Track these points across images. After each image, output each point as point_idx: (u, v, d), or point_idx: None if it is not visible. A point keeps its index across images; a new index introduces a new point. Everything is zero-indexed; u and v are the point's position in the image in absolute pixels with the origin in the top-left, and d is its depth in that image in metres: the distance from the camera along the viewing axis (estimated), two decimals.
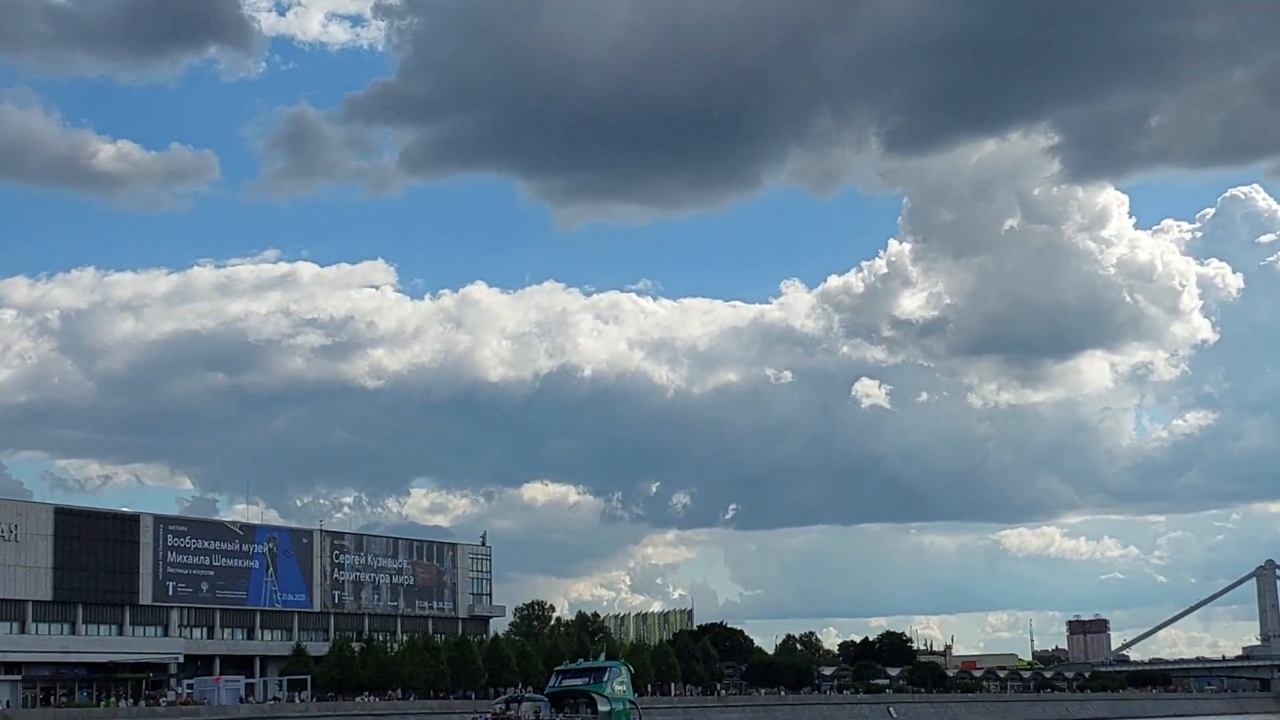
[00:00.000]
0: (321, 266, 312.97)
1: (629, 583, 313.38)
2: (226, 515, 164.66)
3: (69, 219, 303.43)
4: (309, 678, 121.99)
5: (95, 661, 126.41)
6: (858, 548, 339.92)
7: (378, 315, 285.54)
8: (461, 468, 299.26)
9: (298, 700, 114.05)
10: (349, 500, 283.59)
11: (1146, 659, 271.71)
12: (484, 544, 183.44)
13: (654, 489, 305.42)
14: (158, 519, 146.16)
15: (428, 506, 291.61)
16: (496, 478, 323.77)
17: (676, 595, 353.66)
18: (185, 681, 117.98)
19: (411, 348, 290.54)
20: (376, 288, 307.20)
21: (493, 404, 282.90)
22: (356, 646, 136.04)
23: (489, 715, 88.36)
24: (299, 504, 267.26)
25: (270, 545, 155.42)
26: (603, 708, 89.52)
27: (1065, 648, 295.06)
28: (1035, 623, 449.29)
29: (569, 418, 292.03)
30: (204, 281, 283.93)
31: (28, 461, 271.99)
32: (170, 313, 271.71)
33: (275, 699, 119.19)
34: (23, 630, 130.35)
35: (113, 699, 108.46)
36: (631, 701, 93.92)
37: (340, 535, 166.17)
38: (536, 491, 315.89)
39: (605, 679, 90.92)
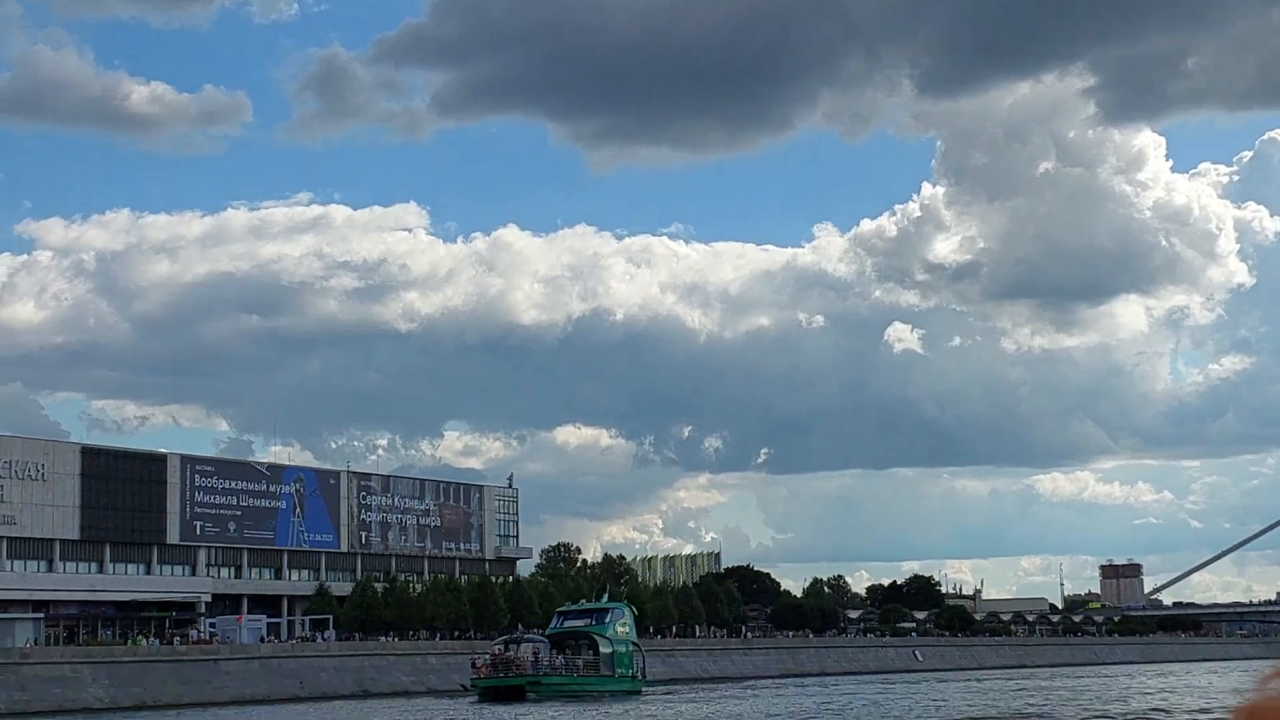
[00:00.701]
0: (354, 209, 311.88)
1: (661, 526, 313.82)
2: (261, 457, 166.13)
3: (103, 161, 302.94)
4: (331, 617, 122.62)
5: (122, 600, 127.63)
6: (890, 492, 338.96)
7: (410, 258, 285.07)
8: (494, 410, 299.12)
9: (320, 640, 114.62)
10: (383, 443, 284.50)
11: (1182, 602, 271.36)
12: (510, 486, 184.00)
13: (686, 433, 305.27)
14: (185, 459, 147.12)
15: (461, 449, 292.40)
16: (529, 421, 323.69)
17: (708, 539, 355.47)
18: (208, 620, 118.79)
19: (444, 290, 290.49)
20: (409, 230, 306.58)
21: (525, 347, 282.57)
22: (380, 587, 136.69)
23: (488, 656, 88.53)
24: (333, 446, 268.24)
25: (297, 486, 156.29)
26: (604, 649, 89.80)
27: (1098, 592, 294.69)
28: (1068, 567, 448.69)
29: (601, 361, 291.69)
30: (238, 224, 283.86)
31: (65, 403, 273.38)
32: (204, 255, 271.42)
33: (301, 638, 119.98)
34: (50, 569, 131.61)
35: (139, 637, 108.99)
36: (634, 643, 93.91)
37: (367, 476, 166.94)
38: (569, 435, 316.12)
39: (607, 620, 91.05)
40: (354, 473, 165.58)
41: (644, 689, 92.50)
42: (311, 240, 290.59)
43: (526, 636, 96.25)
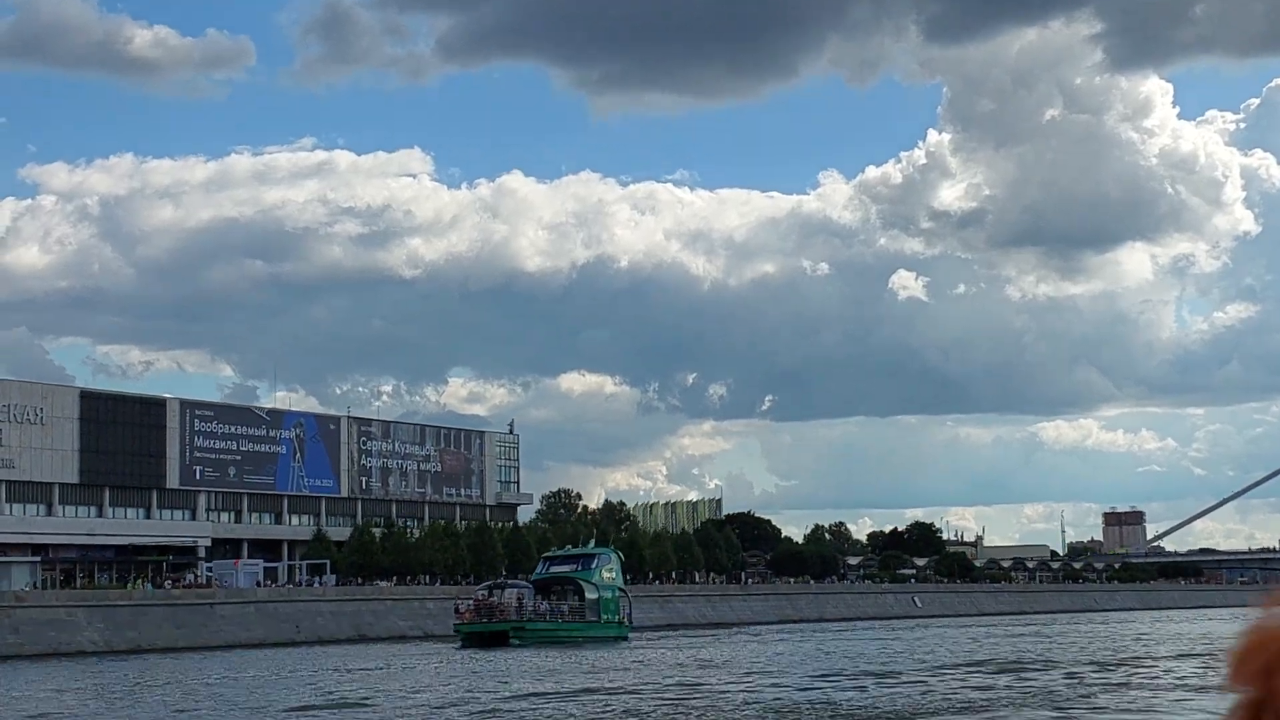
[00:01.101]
0: (358, 155, 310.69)
1: (665, 473, 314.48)
2: (265, 403, 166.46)
3: (106, 105, 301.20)
4: (328, 562, 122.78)
5: (122, 544, 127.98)
6: (894, 440, 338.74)
7: (415, 204, 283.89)
8: (499, 357, 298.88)
9: (317, 585, 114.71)
10: (388, 389, 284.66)
11: (1184, 550, 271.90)
12: (511, 432, 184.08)
13: (690, 380, 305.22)
14: (184, 403, 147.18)
15: (465, 396, 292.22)
16: (534, 367, 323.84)
17: (713, 485, 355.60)
18: (205, 565, 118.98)
19: (448, 237, 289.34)
20: (413, 176, 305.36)
21: (530, 294, 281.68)
22: (378, 532, 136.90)
23: (471, 601, 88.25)
24: (337, 392, 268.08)
25: (298, 431, 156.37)
26: (590, 595, 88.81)
27: (1101, 539, 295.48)
28: (1072, 515, 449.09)
29: (606, 308, 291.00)
30: (241, 169, 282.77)
31: (69, 348, 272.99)
32: (208, 200, 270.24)
33: (299, 583, 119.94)
34: (49, 513, 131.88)
35: (139, 580, 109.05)
36: (621, 589, 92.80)
37: (368, 422, 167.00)
38: (573, 382, 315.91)
39: (594, 566, 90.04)
40: (355, 418, 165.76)
41: (630, 635, 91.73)
42: (315, 186, 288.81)
43: (510, 582, 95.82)
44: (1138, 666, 50.40)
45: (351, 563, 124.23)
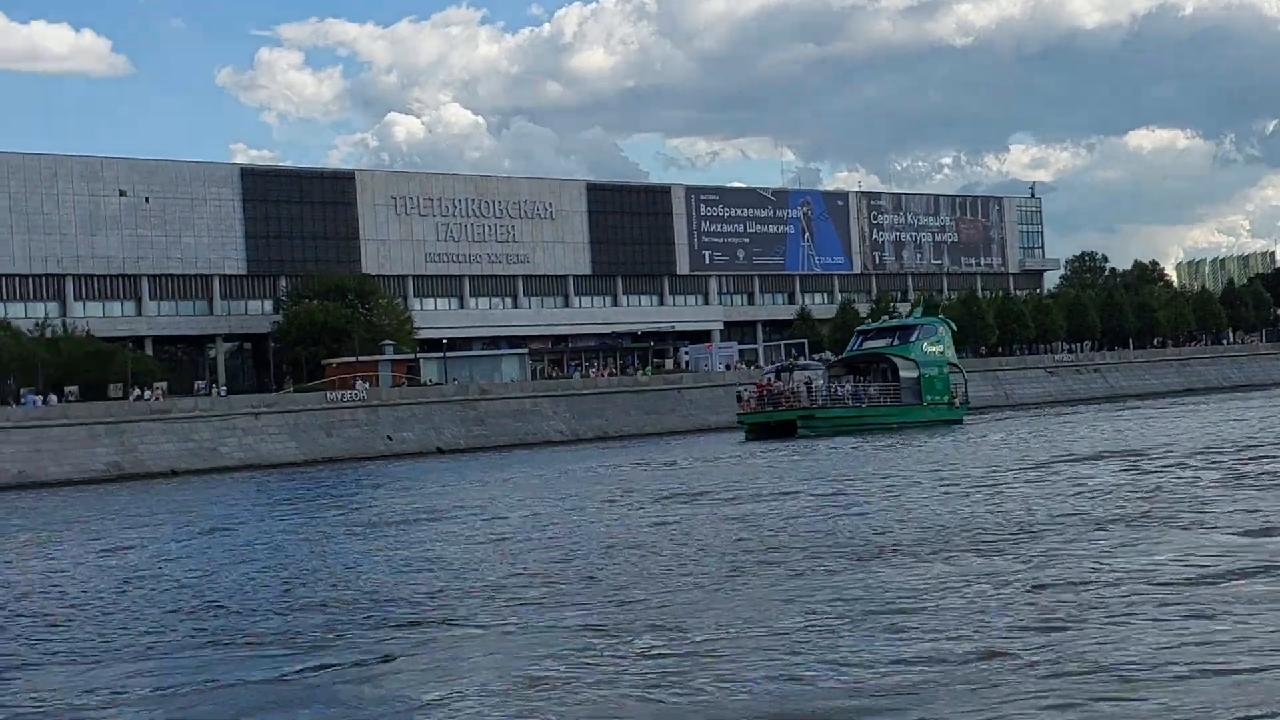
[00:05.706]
0: None
1: (1249, 227, 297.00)
2: (828, 183, 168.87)
3: None
4: (805, 341, 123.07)
5: (637, 332, 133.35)
6: None
7: None
8: (1060, 120, 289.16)
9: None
10: (948, 161, 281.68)
11: None
12: (1033, 196, 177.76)
13: (1270, 128, 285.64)
14: (689, 189, 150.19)
15: (1027, 162, 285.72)
16: (1098, 128, 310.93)
17: None
18: (682, 349, 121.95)
19: (998, 0, 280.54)
20: None
21: (1088, 52, 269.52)
22: (863, 309, 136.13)
23: (754, 388, 79.61)
24: (898, 168, 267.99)
25: (805, 210, 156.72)
26: (906, 373, 77.34)
27: None
28: None
29: (1170, 60, 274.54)
30: None
31: (640, 143, 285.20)
32: None
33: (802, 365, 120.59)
34: (566, 304, 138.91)
35: (649, 368, 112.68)
36: (953, 364, 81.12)
37: (877, 196, 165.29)
38: (1142, 139, 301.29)
39: (913, 339, 78.64)
40: (863, 193, 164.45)
41: (965, 417, 79.06)
42: None
43: (802, 363, 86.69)
44: None
45: (834, 340, 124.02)
